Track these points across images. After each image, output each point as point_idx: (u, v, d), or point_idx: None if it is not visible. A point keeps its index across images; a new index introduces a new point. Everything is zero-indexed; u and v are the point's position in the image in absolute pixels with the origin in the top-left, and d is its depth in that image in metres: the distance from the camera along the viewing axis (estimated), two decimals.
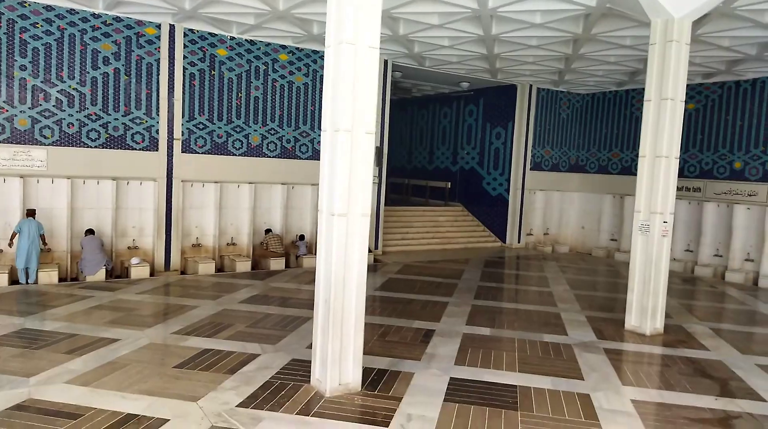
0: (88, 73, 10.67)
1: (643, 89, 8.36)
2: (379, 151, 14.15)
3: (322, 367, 5.57)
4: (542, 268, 13.89)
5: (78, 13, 10.43)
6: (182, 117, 11.58)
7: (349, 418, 5.08)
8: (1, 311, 7.94)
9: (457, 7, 9.36)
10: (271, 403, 5.28)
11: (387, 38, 11.75)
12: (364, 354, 5.92)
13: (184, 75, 11.53)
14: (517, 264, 14.58)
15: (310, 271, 11.46)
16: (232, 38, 11.98)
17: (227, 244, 12.40)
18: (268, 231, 12.57)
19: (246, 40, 12.13)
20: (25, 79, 10.13)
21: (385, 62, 13.96)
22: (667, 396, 6.04)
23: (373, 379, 5.99)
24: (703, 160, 14.45)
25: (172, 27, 11.29)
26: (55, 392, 5.29)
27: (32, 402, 5.07)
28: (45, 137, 10.37)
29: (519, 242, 17.01)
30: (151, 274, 11.04)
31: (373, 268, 12.60)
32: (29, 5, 10.03)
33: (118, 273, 11.04)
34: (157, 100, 11.32)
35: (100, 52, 10.73)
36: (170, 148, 11.52)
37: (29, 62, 10.14)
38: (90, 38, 10.61)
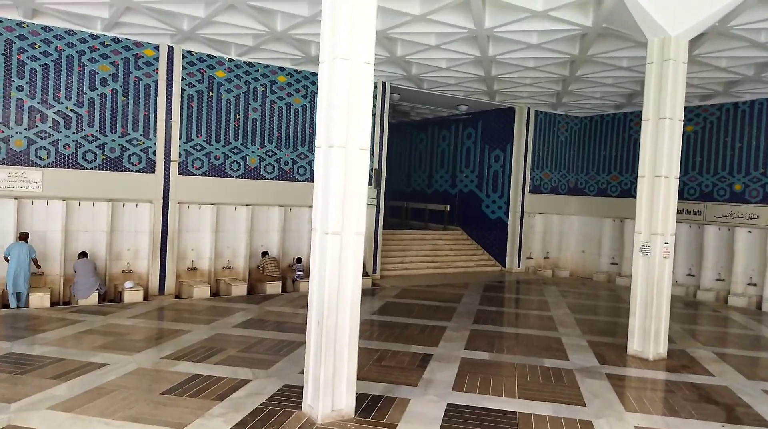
0: (86, 94, 10.65)
1: (641, 112, 8.30)
2: (377, 174, 14.08)
3: (314, 392, 5.38)
4: (542, 292, 13.68)
5: (76, 34, 10.46)
6: (179, 138, 11.53)
7: None
8: None
9: (454, 27, 9.36)
10: None
11: (384, 60, 11.77)
12: (358, 379, 5.74)
13: (182, 96, 11.52)
14: (517, 288, 14.38)
15: (307, 295, 11.21)
16: (231, 60, 12.00)
17: (223, 267, 12.23)
18: (264, 253, 12.42)
19: (244, 61, 12.15)
20: (22, 99, 10.11)
21: (383, 84, 13.99)
22: (672, 423, 5.82)
23: (367, 405, 5.78)
24: (703, 183, 14.36)
25: (170, 48, 11.31)
26: (37, 419, 5.09)
27: None
28: (41, 159, 10.29)
29: (519, 266, 16.82)
30: (145, 298, 10.84)
31: (370, 292, 12.42)
32: (27, 26, 10.05)
33: (111, 297, 10.86)
34: (155, 121, 11.29)
35: (97, 73, 10.72)
36: (167, 169, 11.44)
37: (26, 83, 10.12)
38: (88, 59, 10.62)
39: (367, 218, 13.89)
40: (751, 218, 13.38)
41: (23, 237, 9.90)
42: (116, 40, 10.83)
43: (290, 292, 12.11)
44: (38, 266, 10.10)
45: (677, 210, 8.21)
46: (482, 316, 10.44)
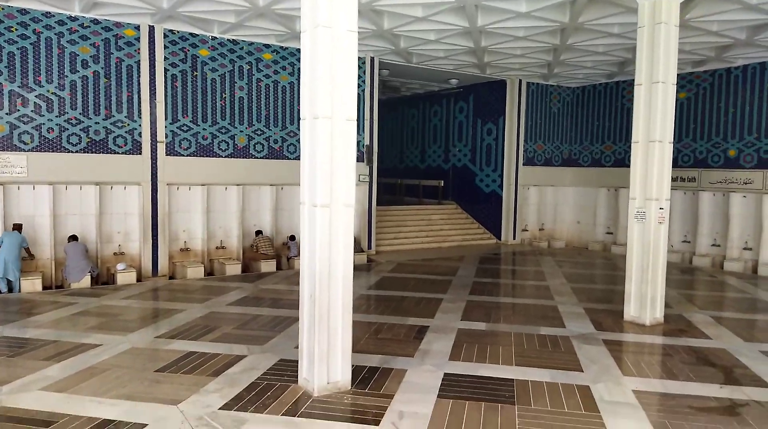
0: (67, 76, 10.42)
1: (633, 80, 8.17)
2: (369, 150, 13.94)
3: (309, 365, 5.33)
4: (538, 263, 13.67)
5: (54, 16, 10.19)
6: (165, 119, 11.33)
7: (337, 417, 4.84)
8: None
9: None
10: (255, 404, 5.03)
11: (372, 34, 11.56)
12: (354, 352, 5.70)
13: (165, 76, 11.29)
14: (513, 260, 14.36)
15: None
16: (214, 38, 11.75)
17: (216, 247, 12.13)
18: (258, 232, 12.32)
19: (228, 39, 11.90)
20: (1, 84, 9.87)
21: (372, 60, 13.77)
22: (670, 386, 5.81)
23: (363, 377, 5.74)
24: (696, 149, 14.29)
25: (151, 28, 11.05)
26: (29, 399, 5.03)
27: (3, 410, 4.80)
28: (24, 143, 10.10)
29: (514, 239, 16.80)
30: (138, 279, 10.75)
31: (366, 268, 12.37)
32: (3, 9, 9.78)
33: (104, 279, 10.77)
34: (139, 102, 11.07)
35: (78, 55, 10.48)
36: (154, 151, 11.26)
37: (5, 67, 9.88)
38: (67, 41, 10.36)
39: (360, 195, 13.79)
40: (746, 183, 13.33)
41: (17, 228, 9.82)
42: (95, 21, 10.56)
43: (285, 270, 12.05)
44: (32, 256, 10.02)
45: (671, 178, 8.13)
46: (478, 288, 10.41)
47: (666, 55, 7.78)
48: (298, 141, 12.85)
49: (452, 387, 5.57)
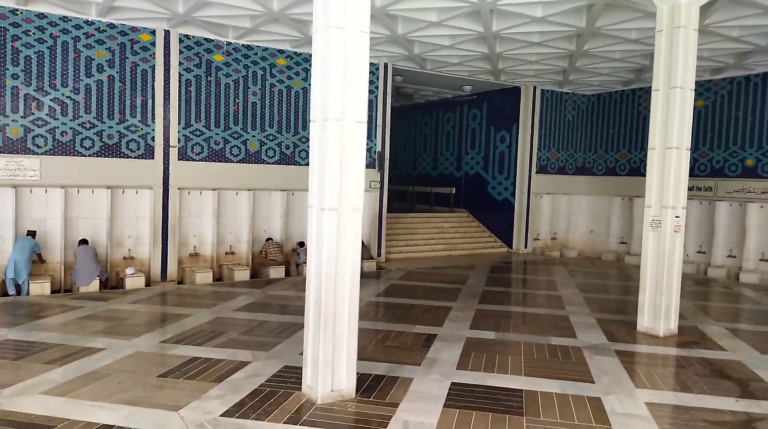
0: (82, 80, 10.49)
1: (650, 87, 8.02)
2: (380, 156, 13.88)
3: (313, 372, 5.23)
4: (550, 272, 13.47)
5: (71, 20, 10.28)
6: (178, 124, 11.37)
7: (341, 426, 4.73)
8: None
9: (456, 1, 9.10)
10: (258, 411, 4.94)
11: (386, 39, 11.52)
12: (360, 360, 5.61)
13: (179, 81, 11.33)
14: (524, 269, 14.17)
15: None
16: (229, 43, 11.79)
17: (226, 252, 12.11)
18: (268, 239, 12.28)
19: (243, 45, 11.93)
20: (17, 87, 9.96)
21: (385, 66, 13.73)
22: (684, 398, 5.63)
23: (369, 385, 5.63)
24: (713, 158, 14.03)
25: (167, 33, 11.11)
26: (29, 403, 4.98)
27: (2, 414, 4.76)
28: (38, 146, 10.17)
29: (526, 247, 16.60)
30: (147, 284, 10.75)
31: (375, 275, 12.27)
32: (21, 13, 9.88)
33: (113, 284, 10.78)
34: (153, 107, 11.12)
35: (93, 59, 10.56)
36: (166, 155, 11.29)
37: (21, 71, 9.97)
38: (83, 45, 10.44)
39: (371, 201, 13.72)
40: (764, 193, 13.06)
41: (31, 233, 9.93)
42: (112, 26, 10.64)
43: (294, 277, 11.98)
44: (42, 261, 10.08)
45: (687, 186, 7.95)
46: (488, 297, 10.26)
47: (684, 60, 7.62)
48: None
49: (459, 397, 5.44)
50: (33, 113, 10.11)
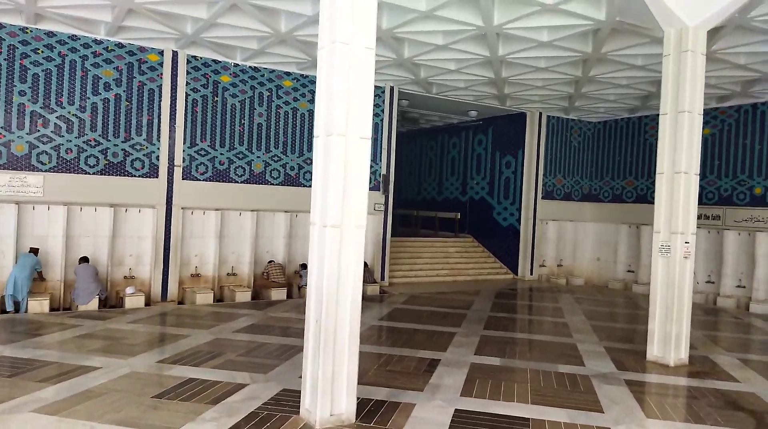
0: (89, 98, 10.52)
1: (657, 115, 7.98)
2: (385, 179, 13.81)
3: (312, 395, 5.05)
4: (556, 299, 13.25)
5: (80, 39, 10.36)
6: (183, 143, 11.36)
7: None
8: None
9: (462, 24, 9.12)
10: None
11: (392, 62, 11.56)
12: (361, 384, 5.43)
13: (186, 101, 11.36)
14: (530, 295, 13.95)
15: None
16: (236, 65, 11.85)
17: (228, 274, 11.97)
18: (271, 261, 12.16)
19: (250, 66, 11.99)
20: (24, 104, 9.99)
21: (391, 89, 13.77)
22: None
23: (369, 410, 5.44)
24: (721, 187, 13.90)
25: (174, 53, 11.18)
26: (19, 421, 4.82)
27: None
28: (42, 163, 10.15)
29: (531, 274, 16.39)
30: (147, 303, 10.60)
31: (378, 299, 12.08)
32: (30, 31, 9.96)
33: (112, 303, 10.64)
34: (158, 126, 11.13)
35: (101, 78, 10.60)
36: (170, 174, 11.26)
37: (29, 88, 10.01)
38: (91, 64, 10.50)
39: (375, 224, 13.61)
40: None
41: (33, 251, 9.86)
42: (120, 45, 10.72)
43: (296, 299, 11.80)
44: (43, 279, 9.99)
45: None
46: (493, 323, 10.05)
47: (692, 84, 7.56)
48: None
49: (463, 424, 5.24)
50: (38, 130, 10.12)
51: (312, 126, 12.74)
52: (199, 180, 11.56)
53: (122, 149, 10.82)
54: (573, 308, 12.02)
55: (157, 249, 11.11)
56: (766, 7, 7.89)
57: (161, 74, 11.13)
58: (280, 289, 11.73)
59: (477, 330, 9.36)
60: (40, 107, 10.13)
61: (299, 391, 5.41)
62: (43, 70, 10.13)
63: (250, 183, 12.12)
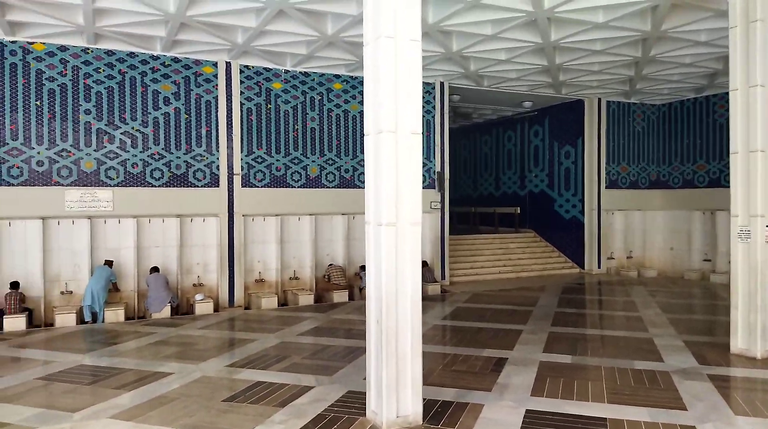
0: (150, 113, 10.92)
1: (726, 93, 7.46)
2: (440, 177, 13.64)
3: (377, 396, 4.99)
4: (628, 292, 12.68)
5: (138, 56, 10.77)
6: (241, 152, 11.61)
7: None
8: (63, 349, 7.92)
9: (510, 11, 8.86)
10: None
11: (440, 57, 11.40)
12: (427, 384, 5.34)
13: (241, 110, 11.61)
14: (599, 289, 13.42)
15: None
16: (287, 71, 12.01)
17: (290, 278, 12.13)
18: (331, 264, 12.24)
19: (300, 72, 12.13)
20: (90, 122, 10.47)
21: (441, 84, 13.59)
22: None
23: (436, 411, 5.32)
24: None
25: (228, 64, 11.45)
26: (98, 427, 5.00)
27: None
28: (110, 178, 10.61)
29: (599, 267, 15.78)
30: (216, 310, 10.88)
31: (440, 298, 11.92)
32: (91, 52, 10.44)
33: (183, 310, 10.99)
34: (217, 136, 11.42)
35: (160, 92, 10.98)
36: (230, 183, 11.53)
37: (93, 106, 10.49)
38: (150, 80, 10.90)
39: (433, 223, 13.46)
40: None
41: (108, 263, 10.32)
42: (176, 60, 11.07)
43: (357, 301, 11.82)
44: (117, 290, 10.43)
45: None
46: (561, 319, 9.71)
47: (763, 56, 7.03)
48: None
49: (535, 425, 5.04)
50: (105, 146, 10.58)
51: (363, 127, 12.71)
52: (258, 187, 11.78)
53: (184, 161, 11.16)
54: (647, 301, 11.46)
55: (222, 256, 11.40)
56: None
57: (216, 85, 11.42)
58: (341, 291, 11.79)
59: (544, 327, 9.06)
60: (105, 124, 10.59)
61: (365, 393, 5.36)
62: (105, 88, 10.58)
63: (306, 187, 12.26)
